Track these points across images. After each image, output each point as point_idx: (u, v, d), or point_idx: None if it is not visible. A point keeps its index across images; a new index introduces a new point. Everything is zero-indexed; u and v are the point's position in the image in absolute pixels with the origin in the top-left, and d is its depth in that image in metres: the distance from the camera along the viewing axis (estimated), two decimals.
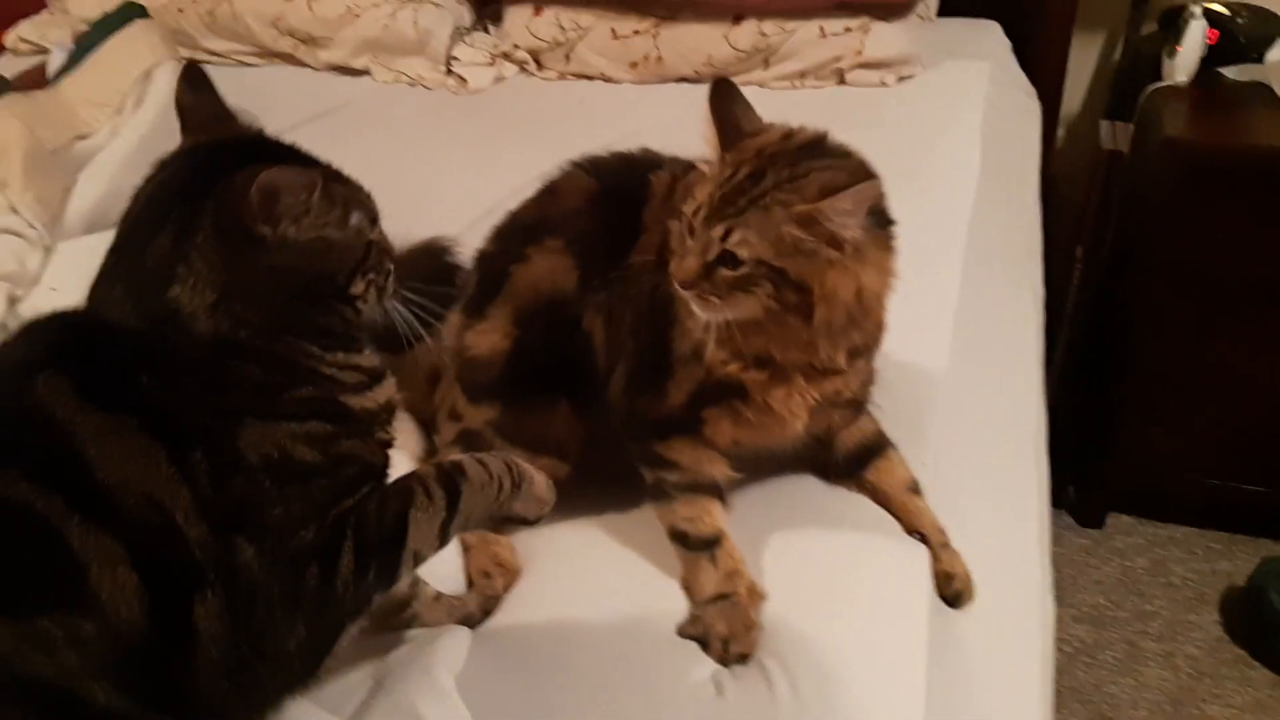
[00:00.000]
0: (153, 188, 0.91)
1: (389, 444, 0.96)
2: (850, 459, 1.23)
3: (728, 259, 1.02)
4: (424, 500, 0.93)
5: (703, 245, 1.03)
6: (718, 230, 1.02)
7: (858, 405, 1.21)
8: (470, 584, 1.19)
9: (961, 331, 1.51)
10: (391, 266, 0.96)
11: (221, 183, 0.85)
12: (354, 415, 0.92)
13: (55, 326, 0.89)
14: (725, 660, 1.05)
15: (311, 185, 0.87)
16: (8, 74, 2.06)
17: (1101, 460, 2.36)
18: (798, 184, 1.01)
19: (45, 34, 2.43)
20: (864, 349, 1.13)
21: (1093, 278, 2.45)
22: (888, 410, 1.25)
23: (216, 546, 0.82)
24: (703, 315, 1.05)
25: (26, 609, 0.76)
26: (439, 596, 1.13)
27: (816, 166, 1.03)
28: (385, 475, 0.95)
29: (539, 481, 1.02)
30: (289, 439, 0.86)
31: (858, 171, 1.04)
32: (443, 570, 1.15)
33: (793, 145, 1.06)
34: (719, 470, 1.15)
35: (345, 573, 0.88)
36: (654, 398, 1.15)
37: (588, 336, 1.19)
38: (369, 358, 0.95)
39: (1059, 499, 1.69)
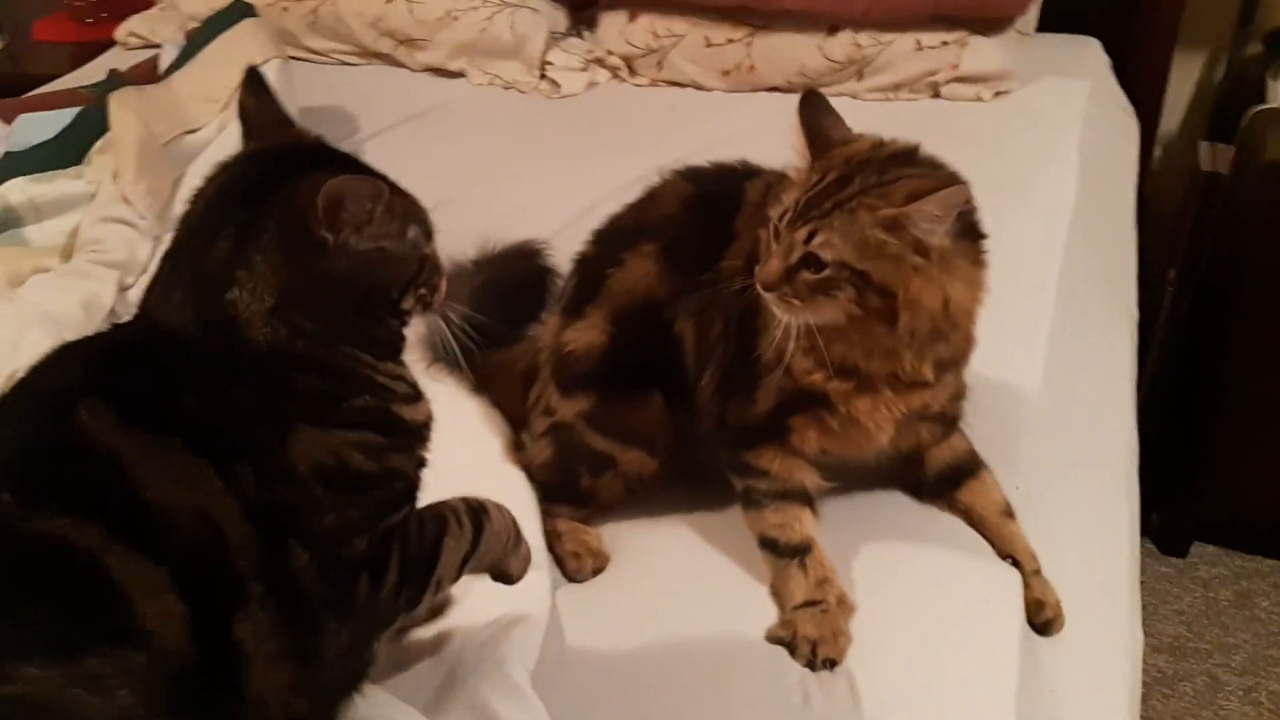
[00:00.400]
0: (213, 190, 0.91)
1: (424, 464, 0.95)
2: (941, 478, 1.22)
3: (811, 261, 1.02)
4: (456, 529, 0.95)
5: (786, 247, 1.03)
6: (801, 233, 1.02)
7: (947, 420, 1.21)
8: (561, 566, 1.21)
9: (1055, 352, 1.49)
10: (439, 283, 0.96)
11: (287, 186, 0.84)
12: (404, 426, 0.92)
13: (92, 350, 0.88)
14: (813, 664, 1.05)
15: (377, 194, 0.86)
16: (120, 67, 2.14)
17: (1187, 488, 2.31)
18: (885, 189, 1.01)
19: (154, 29, 2.49)
20: (952, 362, 1.12)
21: (1185, 301, 2.40)
22: (980, 431, 1.24)
23: (264, 553, 0.80)
24: (784, 318, 1.05)
25: (74, 650, 0.71)
26: None
27: (905, 174, 1.03)
28: (417, 498, 0.95)
29: (526, 545, 1.05)
30: (345, 446, 0.86)
31: (947, 179, 1.04)
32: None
33: (883, 154, 1.07)
34: (809, 479, 1.15)
35: (390, 586, 0.89)
36: (742, 404, 1.15)
37: (679, 340, 1.20)
38: (409, 372, 0.96)
39: (1142, 525, 1.66)
